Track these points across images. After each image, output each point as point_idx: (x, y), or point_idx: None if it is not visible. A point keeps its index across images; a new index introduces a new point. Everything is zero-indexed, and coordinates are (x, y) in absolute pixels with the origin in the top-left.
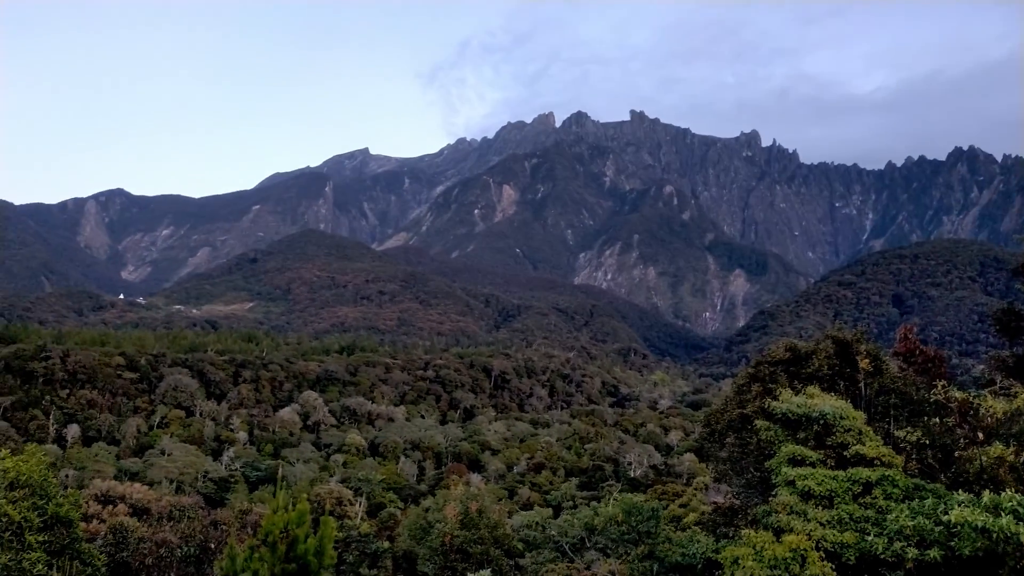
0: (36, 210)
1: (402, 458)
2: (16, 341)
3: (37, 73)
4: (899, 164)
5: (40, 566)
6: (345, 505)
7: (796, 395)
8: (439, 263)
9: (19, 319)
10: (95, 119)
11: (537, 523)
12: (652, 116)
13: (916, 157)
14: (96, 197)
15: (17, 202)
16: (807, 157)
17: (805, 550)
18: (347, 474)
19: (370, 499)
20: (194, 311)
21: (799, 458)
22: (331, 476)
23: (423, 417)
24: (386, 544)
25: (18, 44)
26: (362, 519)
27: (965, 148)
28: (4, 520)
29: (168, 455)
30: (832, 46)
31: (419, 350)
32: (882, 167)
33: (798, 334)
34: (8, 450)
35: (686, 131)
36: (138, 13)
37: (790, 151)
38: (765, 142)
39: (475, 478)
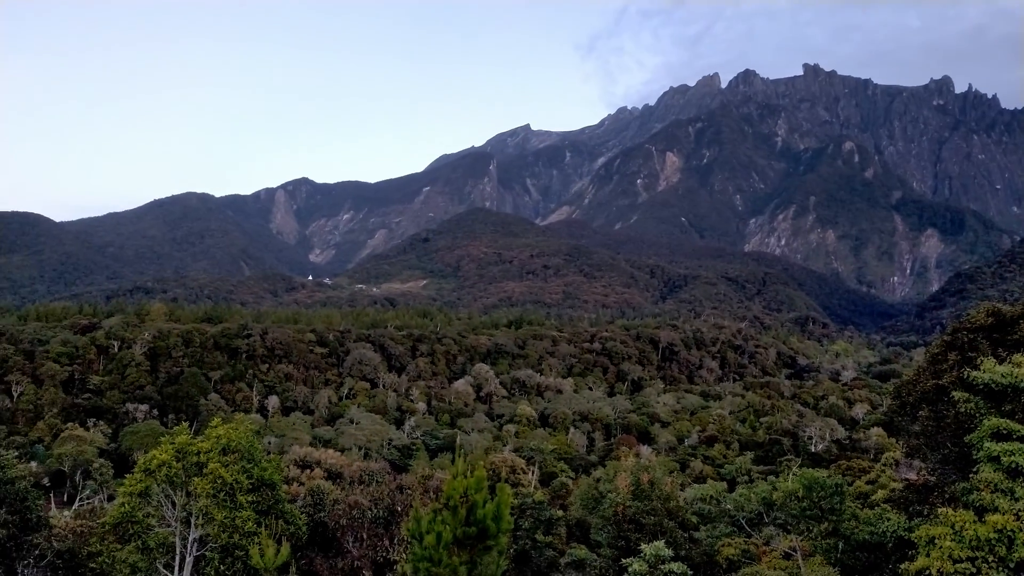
0: (233, 201)
1: (571, 429)
2: (222, 321)
3: (227, 75)
4: None
5: (250, 523)
6: (519, 473)
7: (1000, 364)
8: (602, 235)
9: (224, 301)
10: (279, 113)
11: (711, 496)
12: (828, 69)
13: None
14: (284, 187)
15: (217, 194)
16: (1009, 102)
17: (1012, 531)
18: (519, 444)
19: (542, 468)
20: (374, 289)
21: (1005, 432)
22: (504, 445)
23: (591, 389)
24: (559, 512)
25: (195, 47)
26: (535, 487)
27: None
28: (219, 482)
29: (356, 424)
30: None
31: (585, 323)
32: None
33: (1001, 298)
34: (220, 419)
35: (867, 82)
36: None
37: (989, 96)
38: (959, 88)
39: (645, 450)
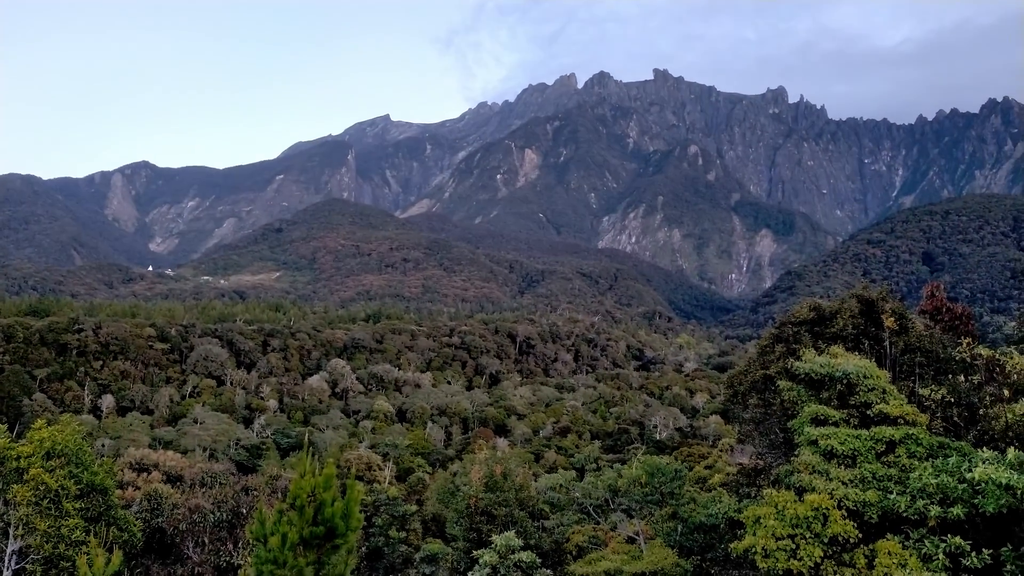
0: (64, 184)
1: (429, 424)
2: (49, 314)
3: (60, 49)
4: (930, 118)
5: (78, 532)
6: (374, 470)
7: (820, 355)
8: (462, 229)
9: (51, 292)
10: (118, 93)
11: (562, 485)
12: (676, 75)
13: (948, 110)
14: (122, 170)
15: (45, 176)
16: (835, 113)
17: (827, 509)
18: (376, 440)
19: (399, 464)
20: (222, 282)
21: (822, 418)
22: (360, 442)
23: (449, 383)
24: (414, 507)
25: (44, 21)
26: (391, 483)
27: (999, 99)
28: (42, 488)
29: (201, 423)
30: None
31: (444, 317)
32: (912, 121)
33: (826, 294)
34: (45, 420)
35: (711, 89)
36: None
37: (818, 107)
38: (792, 99)
39: (501, 443)
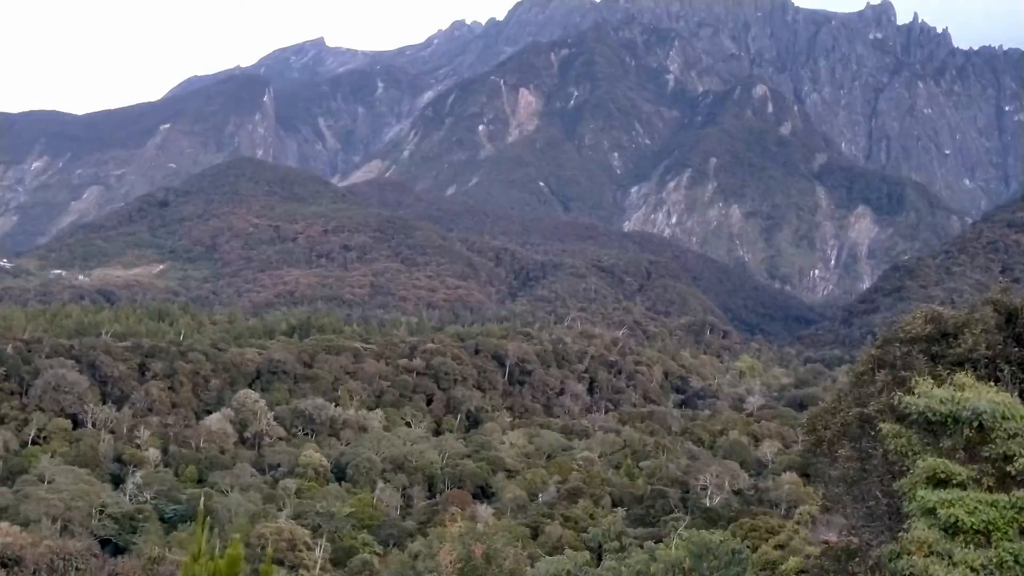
0: None
1: (380, 483)
2: None
3: None
4: None
5: None
6: (300, 550)
7: (940, 387)
8: (428, 204)
9: None
10: None
11: (570, 572)
12: None
13: None
14: None
15: None
16: (963, 39)
17: None
18: (302, 507)
19: (335, 541)
20: (81, 277)
21: (943, 476)
22: (280, 510)
23: (409, 425)
24: None
25: None
26: (323, 569)
27: None
28: None
29: (49, 483)
30: None
31: (402, 330)
32: None
33: (949, 298)
34: None
35: (786, 3)
36: None
37: (939, 31)
38: (902, 18)
39: (483, 511)
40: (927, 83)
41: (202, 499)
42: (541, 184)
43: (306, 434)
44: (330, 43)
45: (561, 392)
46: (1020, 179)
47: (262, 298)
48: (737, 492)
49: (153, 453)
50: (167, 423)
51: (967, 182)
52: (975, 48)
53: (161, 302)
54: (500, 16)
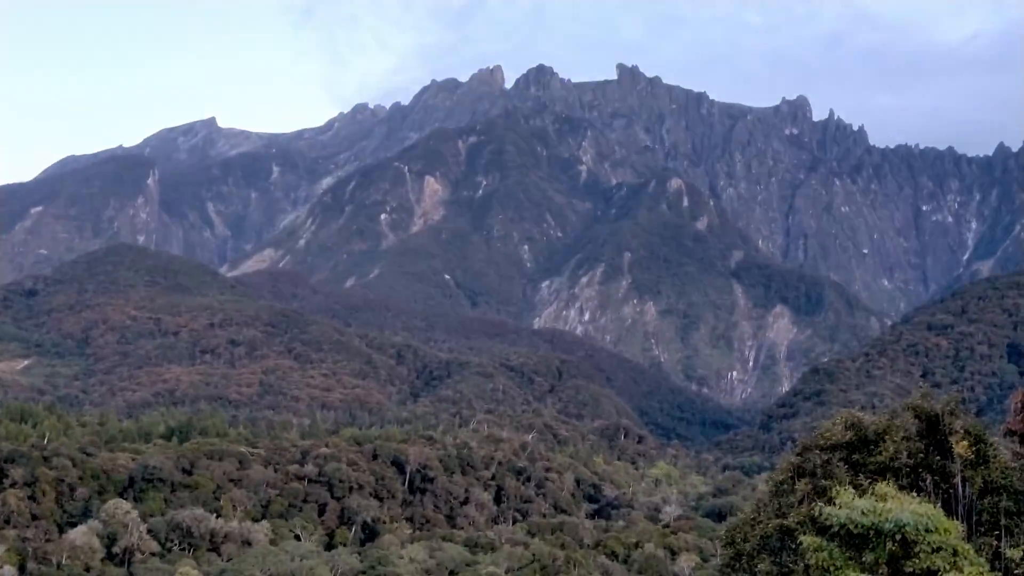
0: None
1: None
2: None
3: None
4: (1015, 148)
5: None
6: None
7: (862, 497)
8: (326, 296)
9: None
10: None
11: None
12: (649, 75)
13: None
14: None
15: None
16: (879, 138)
17: None
18: None
19: None
20: None
21: None
22: None
23: (298, 538)
24: None
25: None
26: None
27: None
28: None
29: None
30: None
31: (293, 433)
32: (991, 152)
33: (869, 403)
34: None
35: (701, 96)
36: None
37: (855, 127)
38: (817, 114)
39: None
40: (844, 181)
41: None
42: (447, 277)
43: (183, 549)
44: (222, 123)
45: (466, 501)
46: (939, 281)
47: (138, 397)
48: None
49: (8, 571)
50: (25, 537)
51: (885, 282)
52: (891, 147)
53: (23, 402)
54: (405, 101)
